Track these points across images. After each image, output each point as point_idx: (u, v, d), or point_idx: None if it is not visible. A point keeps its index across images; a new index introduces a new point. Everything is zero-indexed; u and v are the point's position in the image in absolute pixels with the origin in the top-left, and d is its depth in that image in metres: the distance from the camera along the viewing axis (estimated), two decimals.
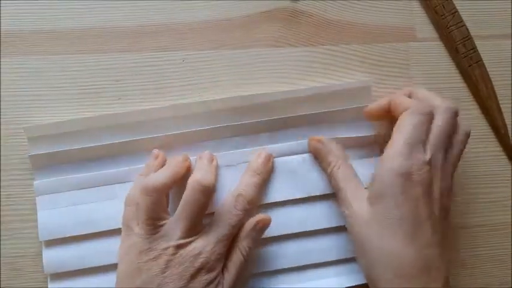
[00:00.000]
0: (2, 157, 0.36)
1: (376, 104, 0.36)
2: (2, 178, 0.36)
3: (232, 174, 0.35)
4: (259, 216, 0.33)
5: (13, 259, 0.35)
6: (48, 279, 0.34)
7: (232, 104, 0.36)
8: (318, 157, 0.36)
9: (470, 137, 0.39)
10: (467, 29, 0.40)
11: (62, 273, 0.34)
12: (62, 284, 0.34)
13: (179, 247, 0.31)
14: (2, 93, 0.36)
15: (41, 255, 0.34)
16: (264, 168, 0.35)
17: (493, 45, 0.40)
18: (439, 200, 0.31)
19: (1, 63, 0.36)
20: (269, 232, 0.34)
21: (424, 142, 0.31)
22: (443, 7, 0.40)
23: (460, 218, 0.39)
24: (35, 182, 0.35)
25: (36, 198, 0.35)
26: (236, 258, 0.32)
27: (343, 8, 0.39)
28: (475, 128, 0.40)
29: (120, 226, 0.33)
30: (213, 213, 0.33)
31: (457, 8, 0.40)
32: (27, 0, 0.37)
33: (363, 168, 0.35)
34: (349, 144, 0.36)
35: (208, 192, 0.32)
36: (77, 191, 0.35)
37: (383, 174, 0.31)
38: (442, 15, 0.40)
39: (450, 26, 0.40)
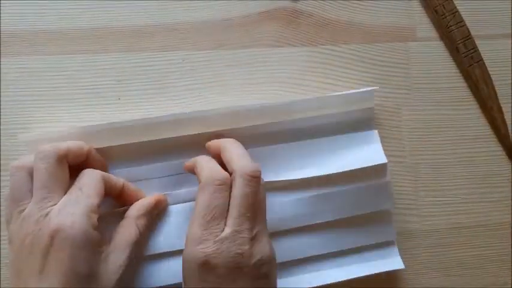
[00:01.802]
0: (2, 157, 0.36)
1: (187, 163, 0.34)
2: (2, 178, 0.36)
3: None
4: (158, 195, 0.34)
5: None
6: None
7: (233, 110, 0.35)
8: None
9: (471, 137, 0.40)
10: (467, 29, 0.40)
11: None
12: None
13: (37, 223, 0.29)
14: (2, 93, 0.36)
15: None
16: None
17: (493, 45, 0.40)
18: (251, 272, 0.29)
19: (1, 63, 0.36)
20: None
21: (220, 217, 0.29)
22: (444, 7, 0.40)
23: (460, 218, 0.39)
24: None
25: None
26: (132, 233, 0.31)
27: (343, 7, 0.39)
28: (475, 128, 0.40)
29: None
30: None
31: (458, 7, 0.40)
32: (27, 0, 0.37)
33: None
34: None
35: (45, 157, 0.30)
36: None
37: (184, 259, 0.30)
38: (442, 15, 0.40)
39: (450, 26, 0.40)
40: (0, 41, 0.36)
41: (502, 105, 0.40)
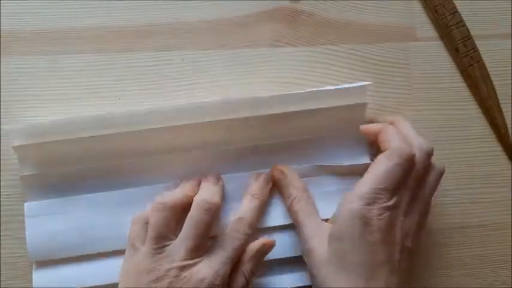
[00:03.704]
0: (2, 157, 0.36)
1: (367, 127, 0.36)
2: (2, 178, 0.36)
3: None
4: (264, 239, 0.33)
5: (13, 259, 0.35)
6: None
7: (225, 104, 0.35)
8: (279, 188, 0.35)
9: (471, 137, 0.40)
10: (467, 29, 0.40)
11: None
12: None
13: (182, 269, 0.30)
14: (1, 93, 0.36)
15: None
16: (262, 191, 0.35)
17: (493, 45, 0.40)
18: (400, 244, 0.31)
19: (1, 62, 0.36)
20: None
21: (391, 189, 0.31)
22: (444, 7, 0.40)
23: (460, 218, 0.39)
24: (26, 204, 0.34)
25: (26, 219, 0.34)
26: (239, 281, 0.32)
27: (343, 7, 0.39)
28: (475, 128, 0.40)
29: (115, 248, 0.34)
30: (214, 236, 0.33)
31: (457, 7, 0.40)
32: (27, 0, 0.37)
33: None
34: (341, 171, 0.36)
35: (213, 212, 0.31)
36: (69, 213, 0.34)
37: (343, 214, 0.31)
38: (442, 15, 0.40)
39: (450, 26, 0.40)
40: (0, 41, 0.36)
41: (502, 105, 0.40)
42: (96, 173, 0.35)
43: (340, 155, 0.37)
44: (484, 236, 0.39)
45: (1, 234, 0.35)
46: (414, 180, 0.32)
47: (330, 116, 0.36)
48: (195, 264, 0.31)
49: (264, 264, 0.34)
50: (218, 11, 0.38)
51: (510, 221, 0.40)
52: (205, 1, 0.38)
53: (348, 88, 0.36)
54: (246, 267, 0.32)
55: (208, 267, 0.30)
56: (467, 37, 0.40)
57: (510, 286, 0.39)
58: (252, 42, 0.38)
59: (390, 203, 0.31)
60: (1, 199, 0.35)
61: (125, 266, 0.32)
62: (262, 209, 0.35)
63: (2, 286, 0.35)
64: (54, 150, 0.34)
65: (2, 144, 0.36)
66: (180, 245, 0.31)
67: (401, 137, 0.33)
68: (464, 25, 0.40)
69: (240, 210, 0.34)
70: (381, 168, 0.31)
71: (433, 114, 0.40)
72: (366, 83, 0.36)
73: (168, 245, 0.31)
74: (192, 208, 0.32)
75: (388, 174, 0.31)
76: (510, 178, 0.40)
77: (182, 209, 0.32)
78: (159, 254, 0.31)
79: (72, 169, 0.34)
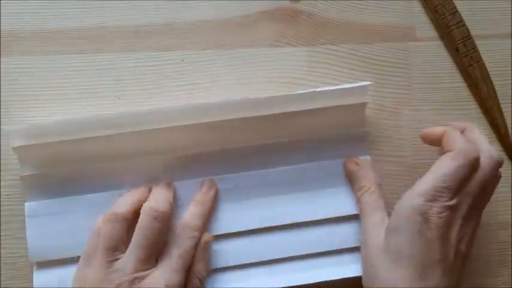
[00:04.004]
0: (2, 157, 0.36)
1: (430, 131, 0.36)
2: (2, 178, 0.36)
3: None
4: (205, 236, 0.33)
5: (13, 259, 0.35)
6: None
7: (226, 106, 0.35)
8: (351, 179, 0.36)
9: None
10: (467, 29, 0.40)
11: None
12: None
13: (132, 282, 0.29)
14: (1, 93, 0.36)
15: None
16: (205, 197, 0.34)
17: (493, 45, 0.40)
18: (455, 246, 0.31)
19: (1, 62, 0.36)
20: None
21: (454, 189, 0.31)
22: (444, 7, 0.40)
23: None
24: (26, 204, 0.34)
25: (26, 219, 0.34)
26: (194, 284, 0.32)
27: (343, 7, 0.39)
28: None
29: None
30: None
31: (457, 7, 0.40)
32: (27, 0, 0.37)
33: None
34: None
35: (162, 219, 0.31)
36: (69, 213, 0.34)
37: (403, 208, 0.31)
38: (442, 15, 0.40)
39: (450, 26, 0.40)
40: (0, 41, 0.36)
41: (502, 105, 0.40)
42: (96, 173, 0.35)
43: (340, 155, 0.37)
44: (484, 236, 0.39)
45: (1, 234, 0.35)
46: (479, 185, 0.32)
47: (330, 116, 0.36)
48: (145, 276, 0.30)
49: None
50: (218, 11, 0.38)
51: (510, 221, 0.40)
52: (205, 1, 0.38)
53: (348, 88, 0.36)
54: (198, 268, 0.32)
55: (159, 279, 0.30)
56: (467, 37, 0.40)
57: (510, 286, 0.39)
58: (252, 42, 0.38)
59: (451, 202, 0.31)
60: (1, 199, 0.35)
61: (77, 276, 0.31)
62: (207, 214, 0.34)
63: (2, 286, 0.35)
64: (55, 151, 0.34)
65: (2, 144, 0.36)
66: (129, 256, 0.30)
67: (467, 140, 0.33)
68: (464, 25, 0.40)
69: (184, 216, 0.34)
70: (444, 168, 0.31)
71: (433, 114, 0.40)
72: (367, 83, 0.36)
73: (119, 258, 0.30)
74: (140, 217, 0.31)
75: (451, 173, 0.31)
76: (510, 178, 0.40)
77: (133, 218, 0.32)
78: (110, 267, 0.30)
79: (72, 169, 0.34)
